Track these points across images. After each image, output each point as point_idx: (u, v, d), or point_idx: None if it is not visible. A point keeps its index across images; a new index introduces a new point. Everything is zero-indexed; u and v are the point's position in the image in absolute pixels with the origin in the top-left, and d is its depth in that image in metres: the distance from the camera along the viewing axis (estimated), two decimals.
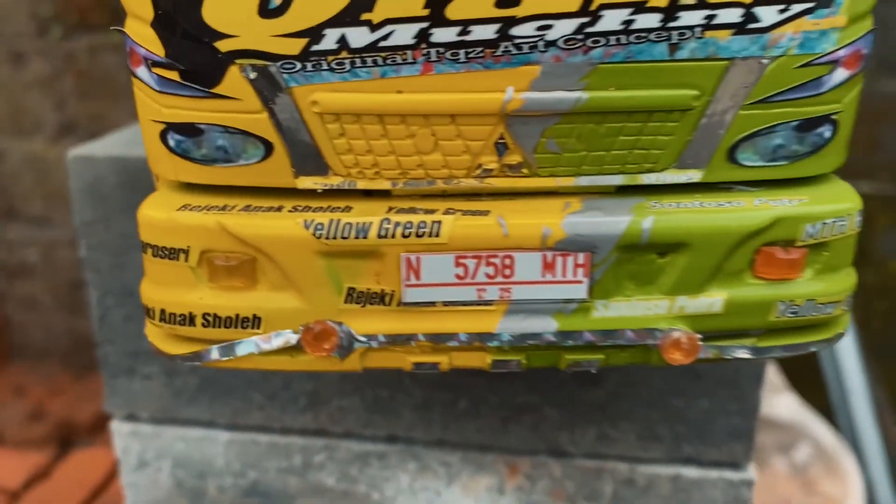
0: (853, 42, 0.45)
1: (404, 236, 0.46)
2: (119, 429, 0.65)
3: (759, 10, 0.43)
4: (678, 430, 0.56)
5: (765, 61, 0.44)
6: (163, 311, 0.50)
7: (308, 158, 0.46)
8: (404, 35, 0.43)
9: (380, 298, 0.48)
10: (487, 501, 0.60)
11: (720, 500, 0.55)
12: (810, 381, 1.26)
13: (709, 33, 0.44)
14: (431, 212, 0.47)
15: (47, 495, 1.25)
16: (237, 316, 0.49)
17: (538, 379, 0.56)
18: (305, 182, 0.47)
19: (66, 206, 1.52)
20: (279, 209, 0.47)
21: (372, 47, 0.44)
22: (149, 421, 0.65)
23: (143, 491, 0.65)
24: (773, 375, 1.06)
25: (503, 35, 0.43)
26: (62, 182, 1.51)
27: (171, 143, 0.48)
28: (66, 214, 1.57)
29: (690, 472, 0.56)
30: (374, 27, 0.43)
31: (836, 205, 0.47)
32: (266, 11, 0.43)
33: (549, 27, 0.43)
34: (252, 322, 0.49)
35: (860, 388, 1.18)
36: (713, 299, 0.48)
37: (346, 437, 0.62)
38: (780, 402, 1.06)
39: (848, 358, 1.19)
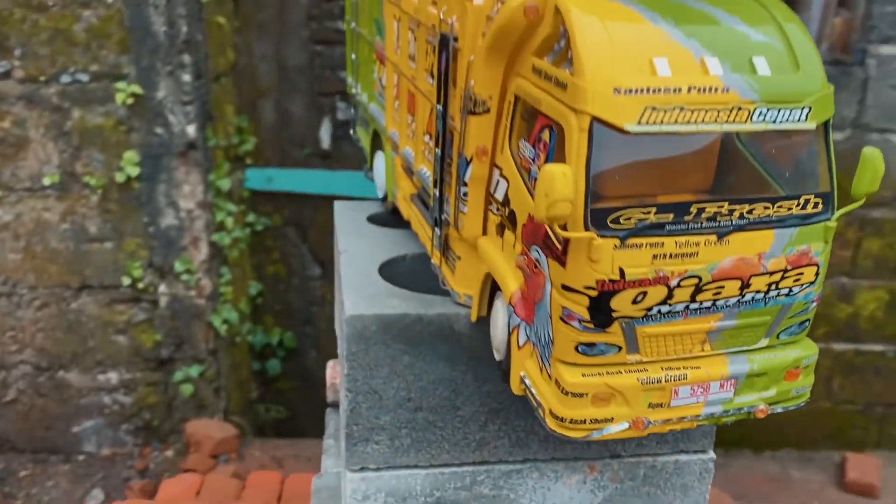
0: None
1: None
2: (352, 477, 1.09)
3: None
4: (676, 434, 1.15)
5: None
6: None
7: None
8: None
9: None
10: (577, 490, 1.15)
11: (697, 470, 1.16)
12: None
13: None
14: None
15: None
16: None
17: None
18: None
19: None
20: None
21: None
22: (374, 470, 1.10)
23: None
24: None
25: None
26: None
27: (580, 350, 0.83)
28: None
29: (682, 457, 1.16)
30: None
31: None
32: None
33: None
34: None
35: None
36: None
37: (498, 463, 1.13)
38: None
39: None
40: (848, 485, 2.95)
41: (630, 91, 0.76)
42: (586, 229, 0.77)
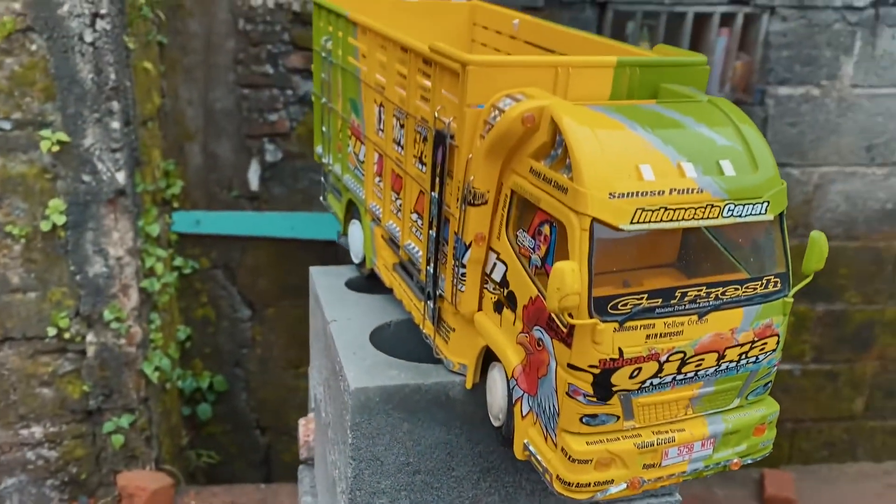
0: None
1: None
2: None
3: None
4: None
5: None
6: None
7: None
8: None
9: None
10: None
11: None
12: None
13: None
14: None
15: None
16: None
17: None
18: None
19: None
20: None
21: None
22: None
23: None
24: None
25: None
26: None
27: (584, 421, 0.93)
28: None
29: (653, 500, 1.29)
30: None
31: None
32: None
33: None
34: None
35: None
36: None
37: None
38: None
39: None
40: (767, 500, 3.18)
41: (623, 195, 0.89)
42: (590, 316, 0.89)
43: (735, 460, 1.04)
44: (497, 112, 0.99)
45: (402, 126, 1.21)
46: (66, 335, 3.00)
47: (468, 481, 1.20)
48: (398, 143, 1.24)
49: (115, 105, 2.85)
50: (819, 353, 3.64)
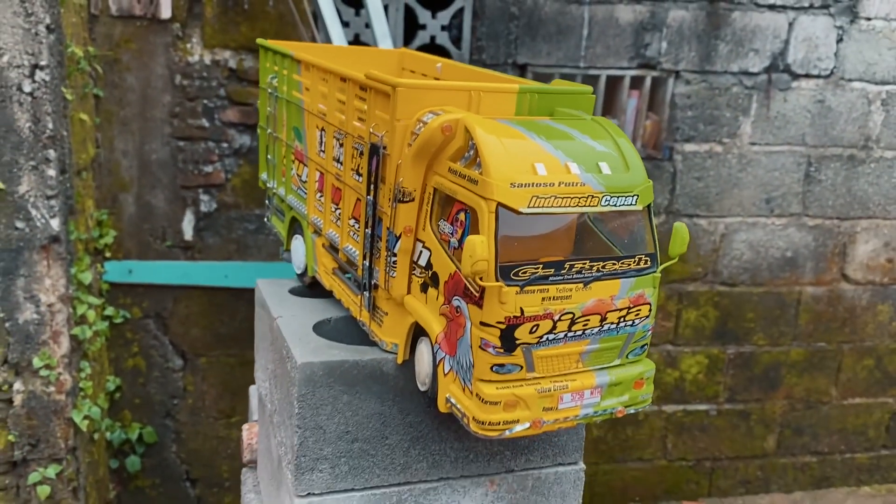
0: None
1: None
2: (300, 503, 1.38)
3: None
4: (555, 449, 1.54)
5: None
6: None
7: None
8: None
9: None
10: (481, 501, 1.50)
11: (572, 479, 1.54)
12: None
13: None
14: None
15: None
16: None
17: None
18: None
19: None
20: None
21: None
22: (318, 495, 1.39)
23: None
24: None
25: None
26: None
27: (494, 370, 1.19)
28: None
29: (560, 468, 1.54)
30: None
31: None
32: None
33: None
34: None
35: None
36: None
37: (419, 483, 1.46)
38: None
39: None
40: None
41: (521, 185, 1.17)
42: (496, 280, 1.16)
43: (619, 408, 1.30)
44: (421, 124, 1.27)
45: (341, 145, 1.48)
46: None
47: (400, 449, 1.43)
48: (338, 160, 1.50)
49: (52, 153, 3.04)
50: (732, 393, 3.97)
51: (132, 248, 3.50)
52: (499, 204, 1.16)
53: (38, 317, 3.12)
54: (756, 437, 4.06)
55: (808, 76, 3.71)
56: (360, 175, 1.42)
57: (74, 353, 3.22)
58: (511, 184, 1.17)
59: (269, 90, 1.77)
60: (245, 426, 1.83)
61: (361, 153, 1.41)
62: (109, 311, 3.48)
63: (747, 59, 3.65)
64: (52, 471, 3.20)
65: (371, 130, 1.35)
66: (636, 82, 3.68)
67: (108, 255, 3.46)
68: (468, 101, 1.33)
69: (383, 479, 1.43)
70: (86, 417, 3.23)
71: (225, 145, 3.44)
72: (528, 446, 1.51)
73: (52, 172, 3.05)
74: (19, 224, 3.04)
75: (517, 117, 1.36)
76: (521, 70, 3.52)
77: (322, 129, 1.56)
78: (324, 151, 1.56)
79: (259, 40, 1.82)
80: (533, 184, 1.18)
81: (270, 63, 1.76)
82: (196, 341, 3.61)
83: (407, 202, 1.31)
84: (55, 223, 3.07)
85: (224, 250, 3.55)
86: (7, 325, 3.09)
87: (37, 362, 3.12)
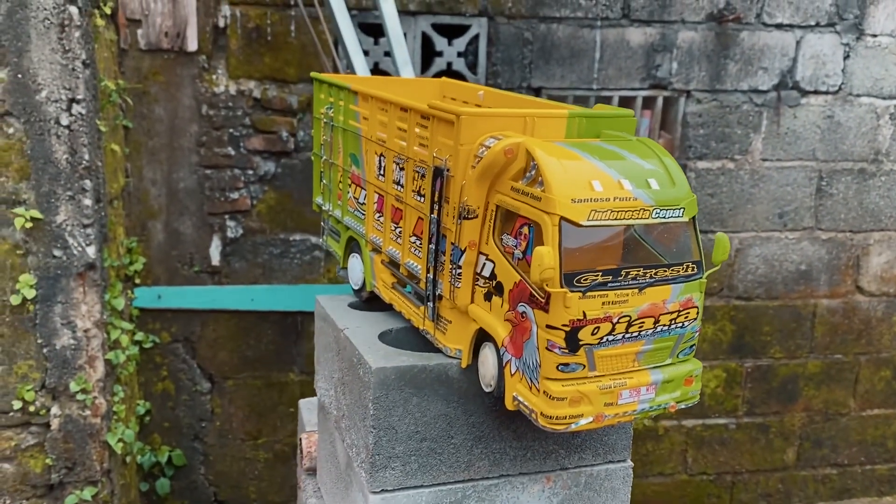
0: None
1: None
2: (374, 499, 1.52)
3: None
4: (605, 447, 1.69)
5: None
6: None
7: None
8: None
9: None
10: (538, 497, 1.64)
11: (621, 476, 1.69)
12: None
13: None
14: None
15: None
16: None
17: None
18: None
19: None
20: None
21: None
22: (390, 491, 1.53)
23: None
24: None
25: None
26: None
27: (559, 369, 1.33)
28: None
29: (611, 466, 1.69)
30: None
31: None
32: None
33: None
34: None
35: None
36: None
37: (481, 480, 1.60)
38: None
39: None
40: None
41: (581, 200, 1.33)
42: (562, 287, 1.31)
43: (672, 404, 1.45)
44: (484, 148, 1.43)
45: (401, 169, 1.64)
46: (31, 408, 3.24)
47: (464, 447, 1.57)
48: (398, 183, 1.66)
49: (88, 183, 3.20)
50: (751, 406, 4.12)
51: (161, 274, 3.65)
52: (562, 218, 1.32)
53: (74, 342, 3.27)
54: (776, 449, 4.20)
55: (816, 92, 3.89)
56: (421, 196, 1.58)
57: (108, 377, 3.36)
58: (572, 199, 1.33)
59: (325, 120, 1.93)
60: (303, 435, 1.98)
61: (423, 176, 1.57)
62: (139, 336, 3.63)
63: (756, 78, 3.83)
64: (88, 493, 3.33)
65: (434, 155, 1.51)
66: (648, 102, 3.86)
67: (137, 281, 3.61)
68: (523, 126, 1.49)
69: (449, 476, 1.57)
70: (120, 440, 3.37)
71: (250, 172, 3.60)
72: (581, 445, 1.66)
73: (88, 202, 3.21)
74: (57, 252, 3.19)
75: (569, 140, 1.52)
76: (536, 93, 3.70)
77: (381, 155, 1.72)
78: (383, 175, 1.72)
79: (313, 74, 1.99)
80: (591, 199, 1.34)
81: (325, 94, 1.93)
82: (223, 364, 3.75)
83: (471, 219, 1.46)
84: (91, 251, 3.22)
85: (250, 274, 3.70)
86: (45, 350, 3.23)
87: (73, 386, 3.26)
